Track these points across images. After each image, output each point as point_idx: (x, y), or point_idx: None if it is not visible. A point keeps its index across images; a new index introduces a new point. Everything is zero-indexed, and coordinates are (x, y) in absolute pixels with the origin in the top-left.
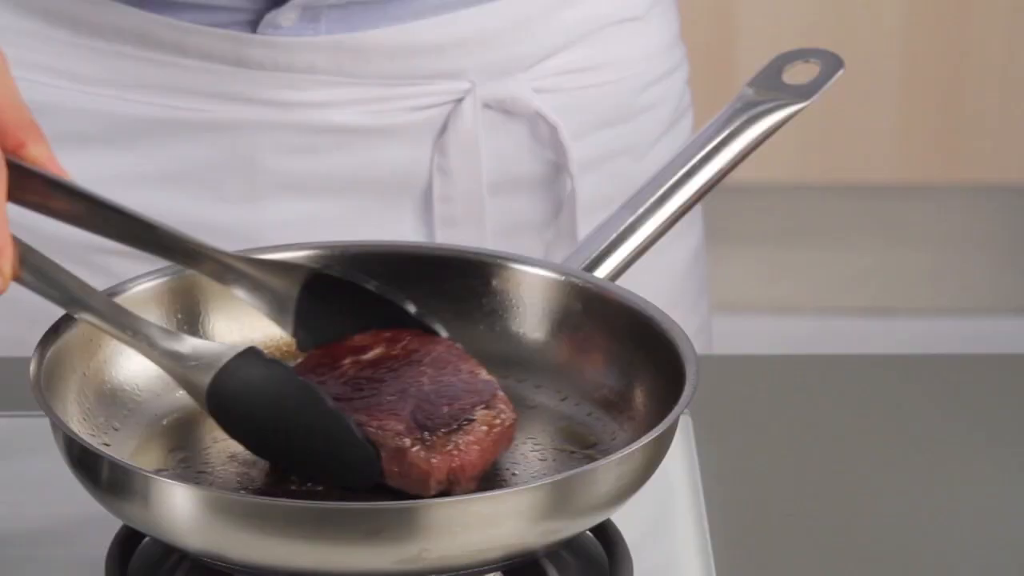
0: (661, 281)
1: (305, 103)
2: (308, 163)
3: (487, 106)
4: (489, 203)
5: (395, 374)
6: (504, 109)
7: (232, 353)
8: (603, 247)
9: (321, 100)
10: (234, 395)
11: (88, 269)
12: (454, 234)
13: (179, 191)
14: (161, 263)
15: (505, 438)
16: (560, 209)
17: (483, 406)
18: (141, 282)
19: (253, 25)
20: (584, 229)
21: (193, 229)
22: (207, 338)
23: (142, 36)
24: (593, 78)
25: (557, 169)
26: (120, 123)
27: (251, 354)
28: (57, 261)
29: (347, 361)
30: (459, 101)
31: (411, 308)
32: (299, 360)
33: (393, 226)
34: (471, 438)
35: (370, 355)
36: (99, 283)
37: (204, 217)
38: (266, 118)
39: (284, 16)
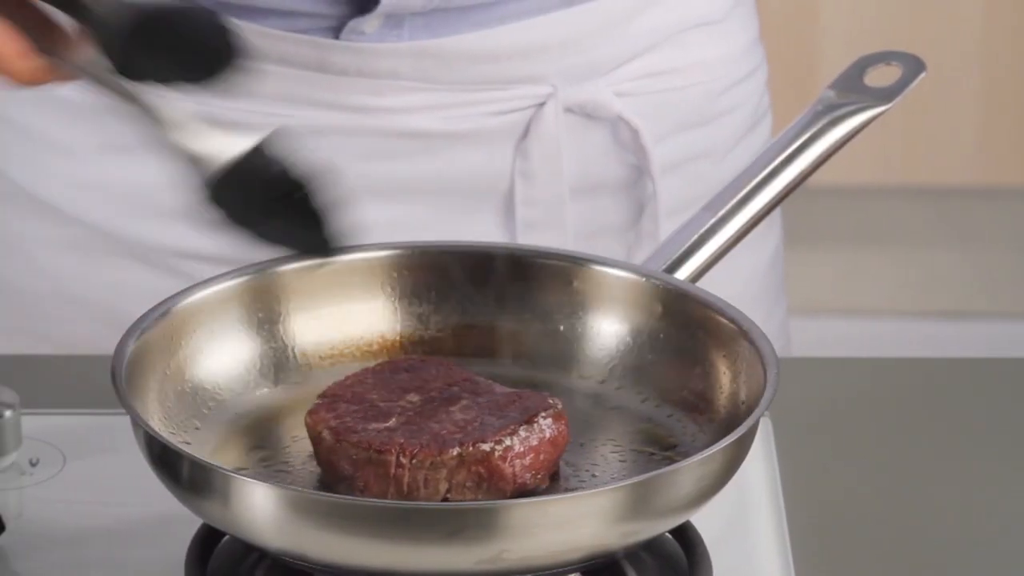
0: (739, 282)
1: (387, 108)
2: (390, 168)
3: (569, 110)
4: (571, 207)
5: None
6: (586, 113)
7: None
8: (684, 249)
9: (403, 105)
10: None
11: (167, 272)
12: (536, 237)
13: None
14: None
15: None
16: (642, 212)
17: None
18: (222, 281)
19: (336, 31)
20: (665, 232)
21: None
22: (288, 338)
23: None
24: (673, 81)
25: (639, 172)
26: None
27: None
28: (135, 265)
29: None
30: (541, 105)
31: None
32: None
33: (475, 230)
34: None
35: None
36: (172, 286)
37: None
38: (349, 123)
39: (367, 23)
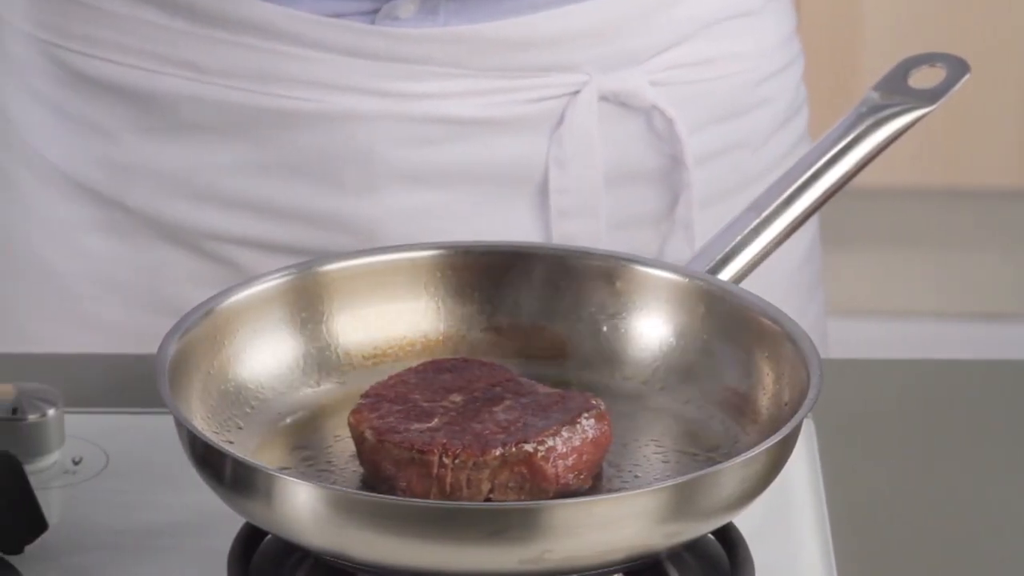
0: (772, 277)
1: (422, 94)
2: (425, 154)
3: (603, 99)
4: (605, 195)
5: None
6: (620, 102)
7: None
8: (727, 250)
9: (438, 91)
10: None
11: (203, 256)
12: (570, 226)
13: (297, 181)
14: (283, 259)
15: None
16: (676, 202)
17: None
18: (265, 280)
19: (371, 16)
20: (699, 222)
21: (311, 219)
22: (331, 337)
23: (260, 26)
24: (708, 72)
25: (673, 162)
26: (238, 113)
27: None
28: (172, 247)
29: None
30: (576, 94)
31: None
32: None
33: (509, 217)
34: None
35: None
36: (210, 270)
37: (322, 207)
38: (383, 109)
39: (403, 8)
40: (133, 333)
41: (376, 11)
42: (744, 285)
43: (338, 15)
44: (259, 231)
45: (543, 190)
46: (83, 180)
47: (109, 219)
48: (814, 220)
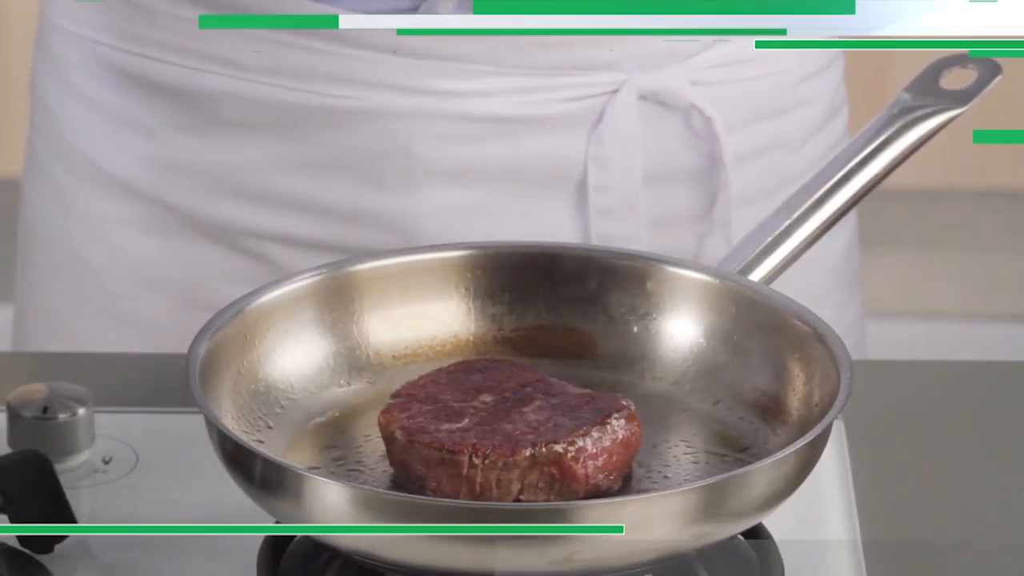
0: (809, 278)
1: (461, 92)
2: (465, 152)
3: (642, 97)
4: (643, 194)
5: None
6: (659, 101)
7: None
8: (758, 251)
9: (477, 90)
10: None
11: (242, 253)
12: (609, 224)
13: (337, 179)
14: (322, 257)
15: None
16: (714, 201)
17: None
18: (296, 280)
19: (411, 14)
20: (738, 222)
21: (350, 217)
22: (361, 337)
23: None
24: (748, 71)
25: (712, 161)
26: (278, 110)
27: None
28: (211, 245)
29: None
30: (615, 92)
31: None
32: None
33: (548, 215)
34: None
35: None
36: (249, 267)
37: (362, 205)
38: (423, 107)
39: (442, 5)
40: (170, 330)
41: (415, 9)
42: (784, 283)
43: (379, 12)
44: (298, 229)
45: (582, 189)
46: (123, 177)
47: (148, 216)
48: (852, 218)
